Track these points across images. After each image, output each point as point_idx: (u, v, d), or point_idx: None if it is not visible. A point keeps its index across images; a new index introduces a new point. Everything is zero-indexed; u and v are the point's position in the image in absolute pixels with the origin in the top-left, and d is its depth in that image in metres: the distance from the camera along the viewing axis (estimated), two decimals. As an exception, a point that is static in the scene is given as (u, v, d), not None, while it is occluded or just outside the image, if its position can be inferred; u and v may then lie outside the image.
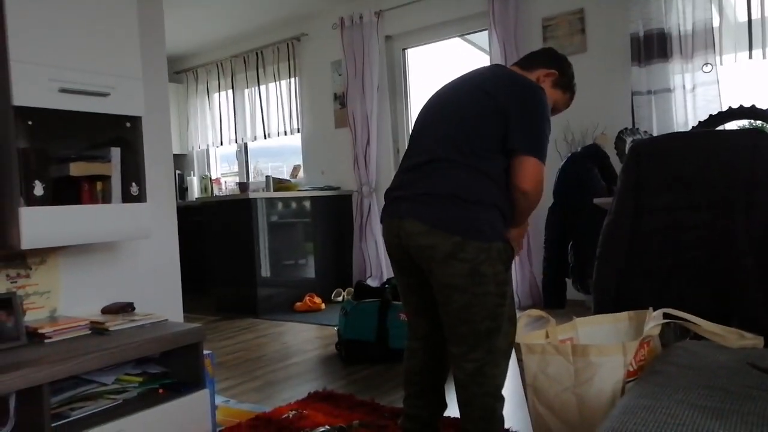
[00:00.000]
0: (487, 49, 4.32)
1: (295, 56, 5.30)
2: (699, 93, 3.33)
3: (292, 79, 5.34)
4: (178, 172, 5.92)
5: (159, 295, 2.27)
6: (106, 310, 1.94)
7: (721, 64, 3.30)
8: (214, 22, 5.24)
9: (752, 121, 2.71)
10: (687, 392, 1.02)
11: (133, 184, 1.90)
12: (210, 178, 6.05)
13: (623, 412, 0.97)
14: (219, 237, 4.55)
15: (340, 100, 5.05)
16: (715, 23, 3.30)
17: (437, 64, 5.02)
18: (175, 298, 2.38)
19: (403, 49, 4.88)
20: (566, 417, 1.32)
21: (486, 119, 1.53)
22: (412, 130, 1.72)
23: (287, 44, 5.32)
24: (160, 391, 1.78)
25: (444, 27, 4.58)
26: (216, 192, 5.96)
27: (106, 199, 1.84)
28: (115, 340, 1.66)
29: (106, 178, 1.84)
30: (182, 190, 5.99)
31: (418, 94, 4.96)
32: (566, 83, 1.81)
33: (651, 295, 1.67)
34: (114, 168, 1.86)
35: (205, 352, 1.90)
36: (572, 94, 1.85)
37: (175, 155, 5.34)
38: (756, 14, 3.17)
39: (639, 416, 0.94)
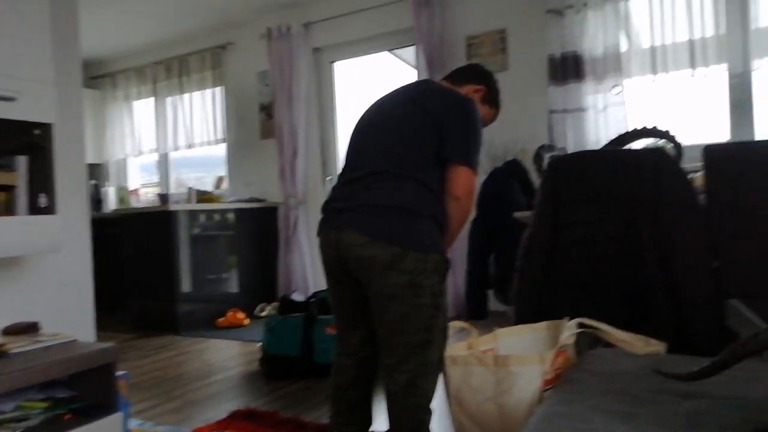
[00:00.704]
0: (415, 63, 4.40)
1: (220, 65, 5.18)
2: (609, 113, 3.54)
3: (217, 88, 5.21)
4: (92, 182, 5.62)
5: (69, 314, 2.14)
6: (7, 331, 1.80)
7: (629, 86, 3.53)
8: (136, 27, 5.04)
9: (655, 140, 2.90)
10: (599, 398, 1.06)
11: (42, 195, 1.79)
12: (128, 189, 5.78)
13: (541, 420, 1.00)
14: (137, 250, 4.35)
15: (267, 110, 4.98)
16: (623, 48, 3.52)
17: (366, 78, 5.06)
18: (87, 316, 2.25)
19: (331, 62, 4.88)
20: (488, 427, 1.35)
21: (423, 132, 1.59)
22: (349, 144, 1.75)
23: (212, 52, 5.20)
24: (67, 416, 1.67)
25: (372, 41, 4.63)
26: (134, 204, 5.70)
27: (11, 210, 1.72)
28: (16, 364, 1.54)
29: (10, 189, 1.72)
30: (97, 201, 5.69)
31: (346, 107, 4.98)
32: (493, 99, 1.89)
33: (568, 305, 1.74)
34: (20, 178, 1.74)
35: (119, 372, 1.80)
36: (498, 109, 1.93)
37: (89, 165, 5.06)
38: (658, 41, 3.42)
39: (555, 424, 0.97)
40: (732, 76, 3.35)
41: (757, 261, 1.64)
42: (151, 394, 2.62)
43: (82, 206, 2.37)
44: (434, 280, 1.52)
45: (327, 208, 1.68)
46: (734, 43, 3.23)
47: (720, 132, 3.44)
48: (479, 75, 1.89)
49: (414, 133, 1.59)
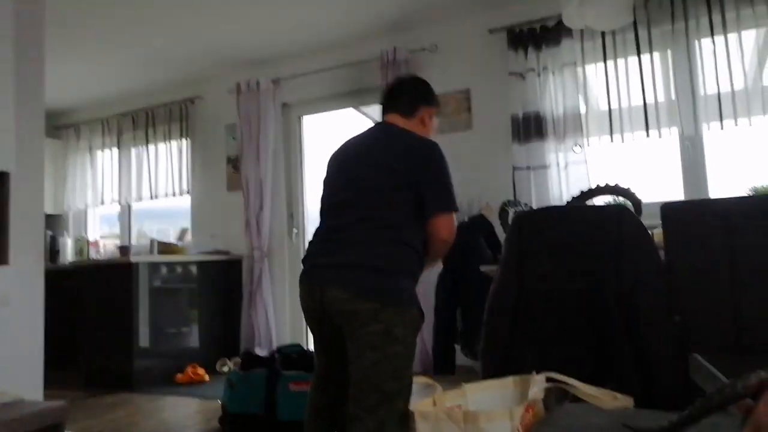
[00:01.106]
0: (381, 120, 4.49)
1: (187, 117, 5.19)
2: (571, 170, 3.65)
3: (184, 140, 5.20)
4: (49, 233, 5.45)
5: (16, 371, 2.02)
6: (-53, 389, 1.69)
7: (588, 145, 3.66)
8: (103, 78, 5.04)
9: (615, 197, 3.00)
10: (569, 455, 1.05)
11: (-6, 244, 1.72)
12: (87, 240, 5.62)
13: (511, 479, 0.97)
14: (93, 304, 4.19)
15: (234, 163, 4.97)
16: (582, 110, 3.68)
17: (333, 131, 5.13)
18: (35, 373, 2.13)
19: (299, 117, 4.95)
20: (457, 487, 1.31)
21: (399, 193, 1.68)
22: (324, 198, 1.83)
23: (180, 105, 5.21)
24: (9, 482, 1.55)
25: (340, 98, 4.72)
26: (93, 255, 5.53)
27: (-41, 260, 1.64)
28: (-44, 424, 1.44)
29: (-40, 237, 1.65)
30: (53, 252, 5.50)
31: (313, 160, 5.01)
32: (437, 108, 2.00)
33: (535, 359, 1.73)
34: (-28, 226, 1.67)
35: (68, 433, 1.70)
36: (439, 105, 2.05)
37: (47, 215, 4.94)
38: (615, 105, 3.59)
39: (526, 482, 0.94)
40: (683, 139, 3.52)
41: (715, 315, 1.68)
42: (101, 457, 2.47)
43: (36, 257, 2.29)
44: (408, 332, 1.64)
45: (310, 261, 1.75)
46: (684, 108, 3.41)
47: (674, 191, 3.59)
48: (425, 94, 1.95)
49: (392, 195, 1.67)
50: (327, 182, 1.84)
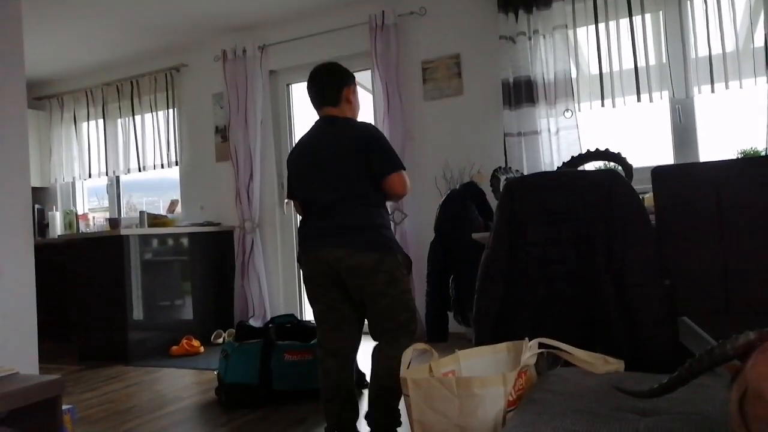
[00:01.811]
0: (370, 87, 4.44)
1: (174, 87, 5.10)
2: (562, 136, 3.64)
3: (171, 110, 5.12)
4: (37, 206, 5.40)
5: (10, 344, 2.02)
6: (-59, 365, 1.69)
7: (579, 110, 3.64)
8: (86, 47, 4.92)
9: (606, 162, 3.00)
10: (561, 418, 1.06)
11: (-19, 220, 1.69)
12: (75, 214, 5.58)
13: (505, 443, 0.99)
14: (85, 277, 4.18)
15: (222, 133, 4.92)
16: (573, 74, 3.65)
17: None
18: (30, 346, 2.13)
19: (288, 84, 4.87)
20: (451, 450, 1.33)
21: (359, 171, 2.10)
22: (299, 185, 2.22)
23: (166, 74, 5.11)
24: (7, 455, 1.57)
25: (328, 65, 4.64)
26: (83, 228, 5.50)
27: (-54, 237, 1.62)
28: (-49, 400, 1.44)
29: (-54, 214, 1.63)
30: (42, 226, 5.47)
31: (302, 129, 4.96)
32: (354, 82, 2.31)
33: (527, 325, 1.75)
34: (-44, 202, 1.65)
35: (65, 406, 1.71)
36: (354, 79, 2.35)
37: (33, 188, 4.88)
38: (606, 68, 3.55)
39: (519, 446, 0.96)
40: (674, 102, 3.51)
41: (705, 279, 1.70)
42: (99, 428, 2.50)
43: (25, 231, 2.26)
44: (404, 272, 2.11)
45: (308, 234, 2.14)
46: (676, 72, 3.39)
47: (664, 155, 3.59)
48: (337, 79, 2.26)
49: (357, 172, 2.10)
50: (298, 181, 2.22)
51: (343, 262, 2.03)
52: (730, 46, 3.25)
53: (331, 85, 2.23)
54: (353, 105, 2.27)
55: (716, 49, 3.27)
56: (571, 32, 3.65)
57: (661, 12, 3.47)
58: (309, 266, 2.12)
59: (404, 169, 2.13)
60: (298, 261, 2.21)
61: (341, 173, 2.09)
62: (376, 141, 2.13)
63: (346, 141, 2.11)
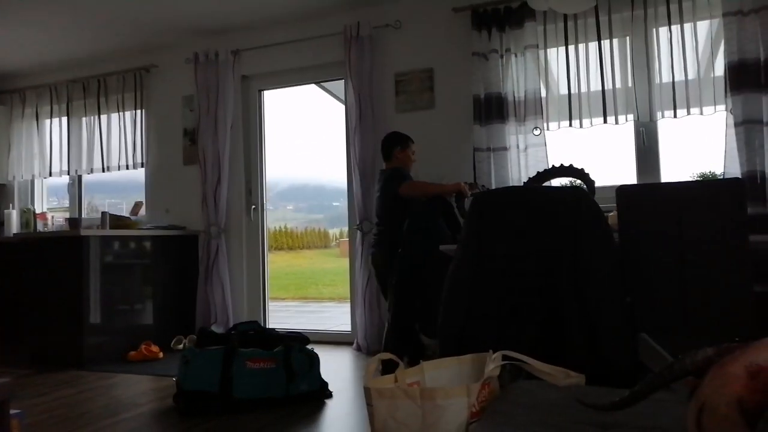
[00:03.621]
0: (343, 97, 4.45)
1: (142, 87, 5.01)
2: (530, 153, 3.71)
3: (138, 111, 5.02)
4: (-8, 203, 5.22)
5: (-43, 346, 1.93)
6: None
7: (547, 129, 3.72)
8: (51, 41, 4.80)
9: (572, 180, 3.06)
10: (524, 430, 1.07)
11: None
12: (33, 212, 5.40)
13: (468, 453, 0.99)
14: (41, 279, 4.04)
15: (191, 136, 4.85)
16: (543, 93, 3.72)
17: (293, 109, 5.05)
18: (-21, 348, 2.05)
19: (260, 90, 4.84)
20: (413, 461, 1.33)
21: (382, 205, 3.53)
22: None
23: (134, 74, 5.02)
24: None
25: (301, 72, 4.65)
26: (41, 228, 5.33)
27: None
28: None
29: None
30: (-3, 224, 5.28)
31: (273, 136, 4.93)
32: (403, 143, 3.62)
33: (491, 337, 1.77)
34: None
35: (13, 411, 1.64)
36: (408, 144, 3.64)
37: (-10, 184, 4.71)
38: (574, 89, 3.64)
39: (482, 456, 0.96)
40: (638, 125, 3.61)
41: (664, 297, 1.74)
42: (49, 435, 2.40)
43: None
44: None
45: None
46: (641, 96, 3.50)
47: (627, 176, 3.69)
48: (392, 141, 3.61)
49: (380, 210, 3.53)
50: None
51: (376, 261, 3.60)
52: (692, 74, 3.37)
53: (386, 146, 3.62)
54: (399, 161, 3.55)
55: (679, 76, 3.39)
56: (542, 52, 3.73)
57: (628, 38, 3.58)
58: (373, 261, 3.65)
59: (401, 187, 3.35)
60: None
61: (377, 211, 3.59)
62: (391, 177, 3.44)
63: (380, 182, 3.55)
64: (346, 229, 4.63)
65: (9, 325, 4.22)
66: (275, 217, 12.88)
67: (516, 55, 3.77)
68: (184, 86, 4.83)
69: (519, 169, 3.72)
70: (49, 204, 5.78)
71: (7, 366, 3.77)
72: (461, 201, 3.30)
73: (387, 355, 1.59)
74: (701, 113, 3.36)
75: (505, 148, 3.74)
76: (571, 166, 2.82)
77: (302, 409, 2.69)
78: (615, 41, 3.58)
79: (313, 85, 5.21)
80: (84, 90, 5.20)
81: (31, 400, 2.95)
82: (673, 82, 3.40)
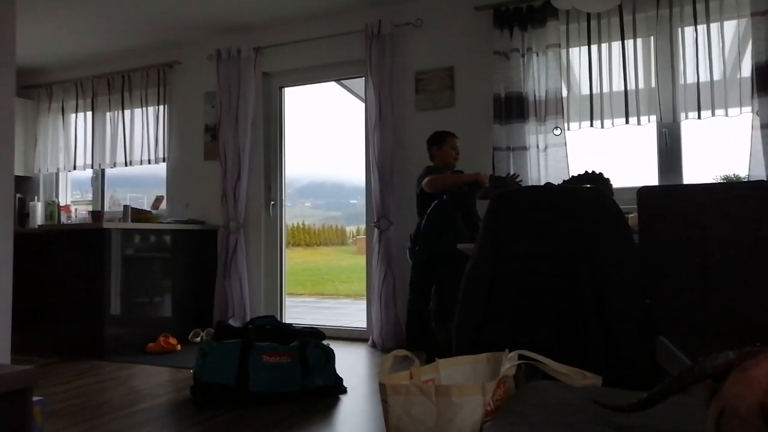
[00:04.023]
0: (362, 95, 4.45)
1: (165, 83, 5.07)
2: (550, 153, 3.68)
3: (161, 107, 5.09)
4: (18, 196, 5.32)
5: (-17, 333, 1.98)
6: None
7: (568, 129, 3.68)
8: (78, 38, 4.88)
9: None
10: (539, 430, 1.07)
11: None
12: (58, 205, 5.50)
13: (482, 451, 0.99)
14: (63, 270, 4.11)
15: (212, 131, 4.89)
16: (564, 93, 3.69)
17: (313, 105, 5.08)
18: (3, 337, 2.09)
19: (280, 87, 4.87)
20: (427, 458, 1.33)
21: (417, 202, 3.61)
22: None
23: (158, 70, 5.09)
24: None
25: (322, 70, 4.66)
26: (64, 220, 5.42)
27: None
28: None
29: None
30: (23, 216, 5.38)
31: (293, 133, 4.95)
32: (439, 142, 3.67)
33: (507, 337, 1.76)
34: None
35: (36, 398, 1.67)
36: (443, 142, 3.66)
37: (16, 177, 4.79)
38: (596, 89, 3.60)
39: (496, 455, 0.96)
40: (661, 126, 3.56)
41: (684, 300, 1.72)
42: (70, 422, 2.45)
43: (5, 220, 2.23)
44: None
45: None
46: (664, 97, 3.45)
47: (649, 177, 3.64)
48: (430, 141, 3.71)
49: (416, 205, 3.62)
50: None
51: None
52: (717, 75, 3.31)
53: (427, 145, 3.70)
54: (437, 158, 3.65)
55: (704, 77, 3.34)
56: (564, 52, 3.70)
57: (652, 38, 3.53)
58: None
59: (424, 183, 3.45)
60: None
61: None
62: (424, 173, 3.55)
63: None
64: (363, 226, 4.64)
65: (32, 315, 4.30)
66: (293, 214, 12.96)
67: (538, 55, 3.74)
68: (206, 82, 4.88)
69: (538, 169, 3.69)
70: (73, 197, 5.88)
71: (30, 354, 3.85)
72: (477, 190, 3.28)
73: (402, 352, 1.59)
74: (726, 114, 3.30)
75: (524, 148, 3.72)
76: (593, 172, 2.79)
77: (317, 403, 2.71)
78: (639, 41, 3.54)
79: (333, 83, 5.22)
80: (109, 85, 5.28)
81: (52, 388, 3.01)
82: (698, 82, 3.35)
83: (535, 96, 3.73)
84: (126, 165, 5.21)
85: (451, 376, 1.58)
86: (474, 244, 2.01)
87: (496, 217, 1.91)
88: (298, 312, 6.53)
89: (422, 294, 3.29)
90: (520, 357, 1.45)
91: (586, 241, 1.77)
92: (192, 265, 4.63)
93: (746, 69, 3.27)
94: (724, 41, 3.31)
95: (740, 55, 3.32)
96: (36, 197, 5.63)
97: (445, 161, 3.62)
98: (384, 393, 1.41)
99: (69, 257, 4.10)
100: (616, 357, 1.67)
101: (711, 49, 3.32)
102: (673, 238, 1.74)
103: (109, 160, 5.30)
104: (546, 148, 3.69)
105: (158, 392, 2.96)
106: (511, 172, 3.59)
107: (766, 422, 0.70)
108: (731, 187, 2.17)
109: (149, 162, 5.11)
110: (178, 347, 4.04)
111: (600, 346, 1.69)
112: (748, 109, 3.25)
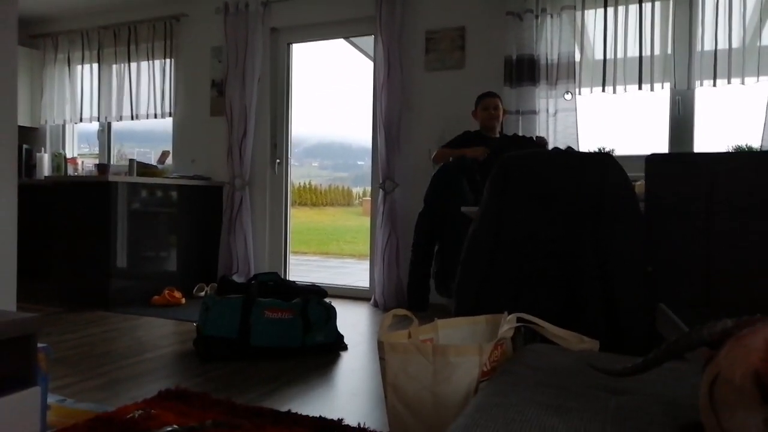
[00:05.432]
0: (371, 53, 4.37)
1: (172, 36, 5.00)
2: (560, 117, 3.62)
3: (168, 60, 5.02)
4: (25, 146, 5.32)
5: (-12, 280, 2.01)
6: None
7: (579, 94, 3.62)
8: (82, -14, 4.79)
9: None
10: (534, 391, 1.08)
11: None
12: (64, 157, 5.50)
13: (475, 410, 1.00)
14: (70, 221, 4.14)
15: (219, 87, 4.84)
16: (577, 57, 3.61)
17: (322, 63, 5.00)
18: (8, 284, 2.12)
19: (288, 44, 4.79)
20: (422, 415, 1.35)
21: None
22: None
23: (165, 23, 5.00)
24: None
25: (331, 26, 4.57)
26: (71, 172, 5.43)
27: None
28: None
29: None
30: (29, 167, 5.40)
31: (300, 91, 4.90)
32: (476, 105, 3.61)
33: (507, 300, 1.76)
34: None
35: (40, 345, 1.70)
36: (477, 105, 3.62)
37: (22, 128, 4.79)
38: (610, 54, 3.52)
39: (489, 413, 0.97)
40: (674, 94, 3.49)
41: (687, 269, 1.71)
42: (75, 370, 2.51)
43: (9, 169, 2.23)
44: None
45: None
46: (680, 63, 3.37)
47: (659, 145, 3.59)
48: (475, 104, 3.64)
49: None
50: None
51: None
52: (736, 42, 3.23)
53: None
54: (477, 119, 3.61)
55: (722, 44, 3.25)
56: (579, 14, 3.60)
57: (671, 2, 3.43)
58: None
59: (436, 154, 3.58)
60: None
61: None
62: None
63: None
64: (369, 188, 4.63)
65: (40, 265, 4.36)
66: (301, 173, 12.94)
67: (552, 16, 3.65)
68: (213, 37, 4.80)
69: (547, 134, 3.64)
70: (80, 150, 5.88)
71: (37, 303, 3.91)
72: (477, 164, 3.26)
73: (402, 311, 1.60)
74: (743, 83, 3.23)
75: (534, 112, 3.66)
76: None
77: (317, 359, 2.75)
78: (657, 5, 3.44)
79: (342, 40, 5.13)
80: (115, 37, 5.21)
81: (58, 337, 3.07)
82: (716, 49, 3.26)
83: (547, 59, 3.66)
84: (132, 119, 5.18)
85: (450, 337, 1.59)
86: (478, 207, 2.00)
87: (502, 180, 1.89)
88: (302, 270, 6.59)
89: (424, 255, 3.30)
90: (519, 320, 1.46)
91: (590, 204, 1.75)
92: (197, 220, 4.65)
93: (767, 37, 3.18)
94: (745, 8, 3.21)
95: (761, 23, 3.22)
96: (43, 149, 5.63)
97: (482, 123, 3.59)
98: (382, 351, 1.42)
99: (75, 209, 4.12)
100: (616, 322, 1.67)
101: (731, 16, 3.23)
102: (679, 206, 1.72)
103: (115, 113, 5.27)
104: (556, 113, 3.64)
105: (162, 343, 3.01)
106: (538, 134, 3.57)
107: (759, 389, 0.70)
108: (744, 156, 2.13)
109: (155, 116, 5.08)
110: (183, 301, 4.09)
111: (599, 311, 1.69)
112: (766, 78, 3.17)
